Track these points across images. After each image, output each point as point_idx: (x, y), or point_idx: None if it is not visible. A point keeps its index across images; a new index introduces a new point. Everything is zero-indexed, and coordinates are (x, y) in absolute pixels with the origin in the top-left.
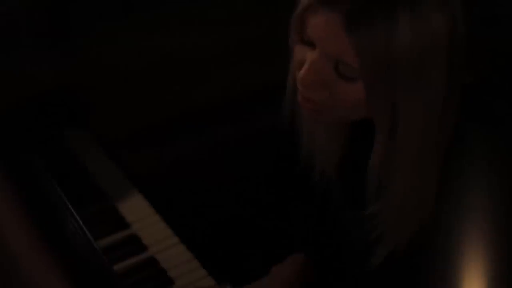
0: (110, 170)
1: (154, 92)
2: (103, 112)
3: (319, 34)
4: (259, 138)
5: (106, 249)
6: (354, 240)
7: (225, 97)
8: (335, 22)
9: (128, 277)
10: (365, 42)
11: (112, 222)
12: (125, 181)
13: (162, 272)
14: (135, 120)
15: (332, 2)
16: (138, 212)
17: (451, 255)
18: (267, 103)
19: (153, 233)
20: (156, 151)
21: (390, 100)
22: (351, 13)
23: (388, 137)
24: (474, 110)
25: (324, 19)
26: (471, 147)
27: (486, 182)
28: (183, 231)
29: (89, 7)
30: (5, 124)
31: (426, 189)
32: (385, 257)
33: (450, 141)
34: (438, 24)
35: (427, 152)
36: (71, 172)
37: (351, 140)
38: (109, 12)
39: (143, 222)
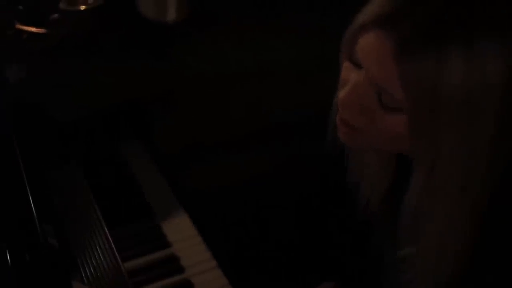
0: (161, 188)
1: (220, 109)
2: (167, 126)
3: (367, 56)
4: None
5: (143, 268)
6: (388, 277)
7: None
8: (385, 47)
9: None
10: (414, 74)
11: (153, 240)
12: (173, 200)
13: None
14: (197, 137)
15: (384, 26)
16: (181, 232)
17: None
18: None
19: (193, 255)
20: (211, 168)
21: (432, 139)
22: (405, 41)
23: (427, 176)
24: None
25: (375, 41)
26: None
27: None
28: (221, 250)
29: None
30: (68, 133)
31: (461, 238)
32: None
33: (495, 193)
34: (494, 70)
35: (464, 200)
36: (123, 186)
37: (399, 174)
38: (188, 27)
39: (185, 242)
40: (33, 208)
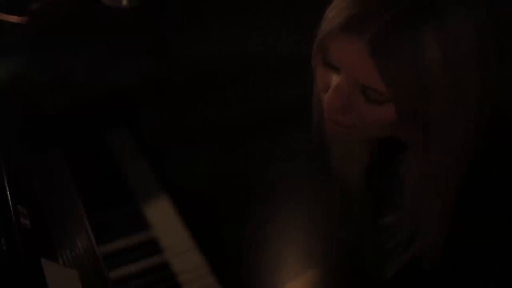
0: (144, 173)
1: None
2: (156, 117)
3: (344, 60)
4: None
5: (121, 250)
6: (372, 249)
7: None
8: (359, 48)
9: (137, 279)
10: (392, 66)
11: (133, 223)
12: (155, 185)
13: (172, 276)
14: (185, 129)
15: (354, 28)
16: (162, 216)
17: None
18: None
19: (172, 237)
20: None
21: (421, 120)
22: (375, 37)
23: (423, 151)
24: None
25: (347, 45)
26: (493, 172)
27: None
28: (204, 238)
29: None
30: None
31: (446, 205)
32: (400, 270)
33: (474, 160)
34: (467, 39)
35: (453, 167)
36: (107, 172)
37: (377, 150)
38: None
39: (164, 225)
40: (7, 189)
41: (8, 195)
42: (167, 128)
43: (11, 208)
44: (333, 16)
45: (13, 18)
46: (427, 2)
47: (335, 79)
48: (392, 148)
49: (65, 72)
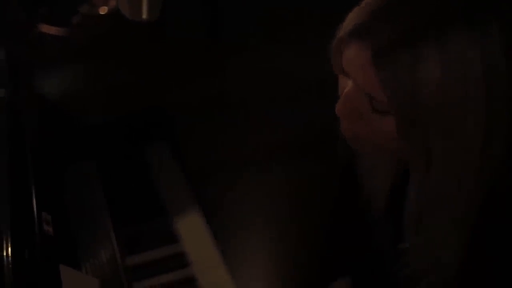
0: (181, 188)
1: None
2: (198, 133)
3: (350, 66)
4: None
5: (148, 262)
6: (392, 273)
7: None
8: (363, 56)
9: None
10: (392, 77)
11: (162, 235)
12: (190, 200)
13: None
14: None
15: (361, 36)
16: (192, 230)
17: None
18: None
19: (201, 251)
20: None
21: (421, 137)
22: (379, 48)
23: (423, 174)
24: None
25: (355, 52)
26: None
27: None
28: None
29: None
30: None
31: (459, 234)
32: None
33: (491, 190)
34: (472, 61)
35: (461, 196)
36: (142, 184)
37: (403, 175)
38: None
39: (194, 239)
40: (34, 196)
41: (34, 202)
42: (211, 147)
43: (35, 214)
44: (346, 23)
45: (55, 30)
46: (432, 22)
47: (347, 86)
48: None
49: (105, 84)
